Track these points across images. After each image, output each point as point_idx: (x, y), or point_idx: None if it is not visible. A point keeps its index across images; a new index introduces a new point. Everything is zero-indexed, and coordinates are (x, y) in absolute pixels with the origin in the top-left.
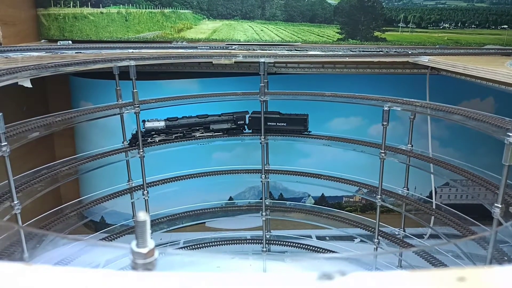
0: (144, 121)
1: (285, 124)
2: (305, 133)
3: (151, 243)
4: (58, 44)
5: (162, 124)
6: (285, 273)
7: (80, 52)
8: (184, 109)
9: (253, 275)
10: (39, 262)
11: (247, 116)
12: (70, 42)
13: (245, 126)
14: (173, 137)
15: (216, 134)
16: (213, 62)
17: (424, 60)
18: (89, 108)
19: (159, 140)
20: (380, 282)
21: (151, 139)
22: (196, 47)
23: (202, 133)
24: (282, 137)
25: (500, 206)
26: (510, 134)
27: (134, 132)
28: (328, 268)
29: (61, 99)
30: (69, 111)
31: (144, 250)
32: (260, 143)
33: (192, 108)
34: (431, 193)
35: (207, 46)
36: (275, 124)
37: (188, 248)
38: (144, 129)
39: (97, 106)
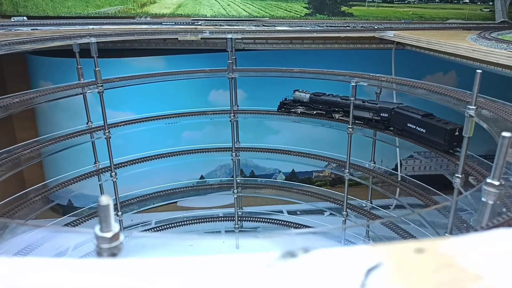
0: (295, 90)
1: (423, 131)
2: (451, 151)
3: (115, 227)
4: (12, 20)
5: (307, 96)
6: (249, 253)
7: (37, 29)
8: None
9: (218, 257)
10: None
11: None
12: (25, 18)
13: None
14: (314, 112)
15: (356, 121)
16: (179, 39)
17: (390, 35)
18: (49, 88)
19: (301, 112)
20: (341, 257)
21: (293, 110)
22: (160, 23)
23: (342, 116)
24: (252, 115)
25: (460, 176)
26: (469, 107)
27: (283, 100)
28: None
29: (19, 80)
30: (28, 92)
31: (108, 235)
32: (230, 121)
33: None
34: (396, 165)
35: (172, 22)
36: (414, 127)
37: (160, 228)
38: (292, 98)
39: (57, 86)
